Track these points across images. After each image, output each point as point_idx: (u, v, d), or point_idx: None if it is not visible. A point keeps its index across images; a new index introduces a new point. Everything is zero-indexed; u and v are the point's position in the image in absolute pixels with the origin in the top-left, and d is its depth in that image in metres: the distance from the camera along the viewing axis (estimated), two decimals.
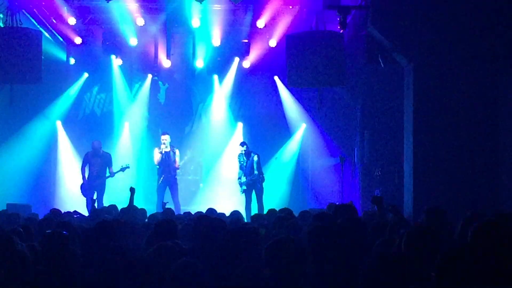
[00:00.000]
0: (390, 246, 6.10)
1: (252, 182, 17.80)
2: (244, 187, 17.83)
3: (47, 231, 7.36)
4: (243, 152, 17.98)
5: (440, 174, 12.49)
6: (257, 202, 17.82)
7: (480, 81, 12.61)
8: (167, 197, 17.47)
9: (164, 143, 17.80)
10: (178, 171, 18.30)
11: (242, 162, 18.00)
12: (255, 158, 17.99)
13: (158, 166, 17.95)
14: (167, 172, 17.86)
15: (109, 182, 18.38)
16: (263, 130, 20.46)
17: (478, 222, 5.33)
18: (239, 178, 18.00)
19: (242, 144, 18.16)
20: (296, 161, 20.41)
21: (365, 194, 17.72)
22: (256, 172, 17.82)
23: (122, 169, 18.22)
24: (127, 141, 21.11)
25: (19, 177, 19.39)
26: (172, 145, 17.98)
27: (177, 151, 18.09)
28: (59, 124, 20.57)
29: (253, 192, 17.84)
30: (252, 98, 21.46)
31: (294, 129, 20.85)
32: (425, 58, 12.76)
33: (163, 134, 18.03)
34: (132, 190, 12.27)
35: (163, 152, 17.76)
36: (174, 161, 17.97)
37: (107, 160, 18.44)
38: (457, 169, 12.51)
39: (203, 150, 21.23)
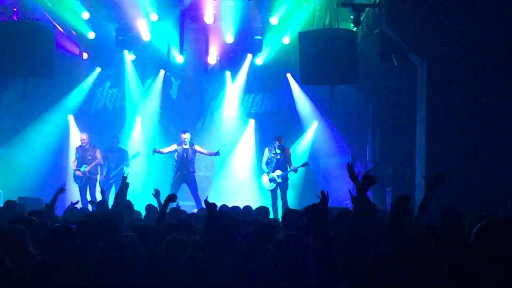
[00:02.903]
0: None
1: (285, 178, 17.80)
2: (280, 180, 17.76)
3: (54, 225, 7.37)
4: (276, 145, 17.86)
5: (453, 173, 12.44)
6: (282, 200, 17.71)
7: (493, 79, 12.57)
8: (184, 194, 17.48)
9: (185, 142, 17.81)
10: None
11: (274, 156, 17.87)
12: (290, 152, 18.02)
13: (175, 162, 17.95)
14: (183, 168, 17.84)
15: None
16: (275, 127, 20.37)
17: (482, 223, 5.28)
18: (269, 172, 17.85)
19: (280, 138, 17.99)
20: (307, 158, 20.35)
21: (377, 192, 17.66)
22: (290, 168, 17.79)
23: (134, 157, 18.59)
24: (139, 136, 21.09)
25: (31, 171, 19.40)
26: (191, 142, 18.00)
27: (196, 147, 18.07)
28: (71, 118, 20.57)
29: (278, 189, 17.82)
30: (264, 95, 21.43)
31: (306, 127, 20.79)
32: (439, 57, 12.73)
33: (184, 132, 18.00)
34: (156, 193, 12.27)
35: (181, 147, 17.78)
36: (193, 159, 18.00)
37: (122, 155, 18.78)
38: (470, 168, 12.48)
39: (214, 146, 21.17)
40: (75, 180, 18.51)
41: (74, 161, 18.58)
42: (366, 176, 6.34)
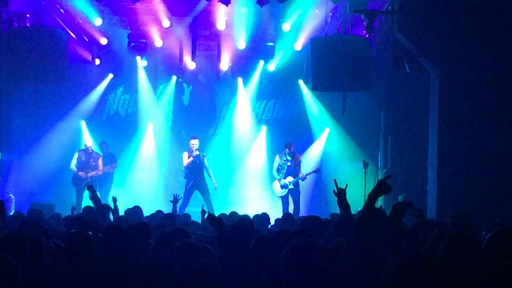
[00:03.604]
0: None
1: (296, 184, 17.84)
2: (292, 186, 17.81)
3: (71, 231, 7.38)
4: (287, 152, 17.94)
5: (465, 180, 12.41)
6: (295, 205, 17.75)
7: (506, 86, 12.52)
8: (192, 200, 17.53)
9: (195, 148, 17.80)
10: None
11: (284, 162, 17.95)
12: (301, 159, 18.14)
13: (186, 170, 17.92)
14: (196, 175, 17.85)
15: (134, 184, 18.66)
16: (287, 134, 20.37)
17: (495, 230, 5.23)
18: (280, 179, 17.92)
19: (290, 145, 18.08)
20: (319, 165, 20.33)
21: (388, 199, 17.62)
22: (300, 175, 17.87)
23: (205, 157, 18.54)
24: (151, 142, 21.14)
25: (44, 177, 19.44)
26: (200, 150, 18.00)
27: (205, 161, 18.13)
28: (83, 124, 20.63)
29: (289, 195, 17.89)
30: (276, 102, 21.45)
31: (318, 133, 20.79)
32: (451, 64, 12.70)
33: (193, 138, 17.99)
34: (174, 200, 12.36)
35: (194, 155, 17.77)
36: (204, 164, 18.00)
37: (112, 160, 19.18)
38: (483, 175, 12.42)
39: (226, 152, 21.20)
40: (73, 182, 18.56)
41: (75, 164, 18.62)
42: (382, 183, 5.97)
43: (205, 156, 18.00)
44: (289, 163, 17.84)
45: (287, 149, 17.87)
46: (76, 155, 18.70)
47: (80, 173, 18.45)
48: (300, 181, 17.91)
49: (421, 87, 15.13)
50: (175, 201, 12.53)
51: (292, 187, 17.78)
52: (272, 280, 5.85)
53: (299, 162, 18.10)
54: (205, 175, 18.05)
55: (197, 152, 17.80)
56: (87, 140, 19.08)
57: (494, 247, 5.00)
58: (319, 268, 5.06)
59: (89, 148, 18.74)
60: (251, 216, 11.50)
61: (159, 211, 12.35)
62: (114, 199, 11.91)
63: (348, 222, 6.86)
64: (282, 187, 17.89)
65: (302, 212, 17.52)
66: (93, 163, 18.64)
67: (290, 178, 17.77)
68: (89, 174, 18.46)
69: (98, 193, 12.88)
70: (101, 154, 19.10)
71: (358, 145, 19.99)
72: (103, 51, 20.24)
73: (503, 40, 12.48)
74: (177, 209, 13.53)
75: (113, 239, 7.37)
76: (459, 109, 12.67)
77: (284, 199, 17.90)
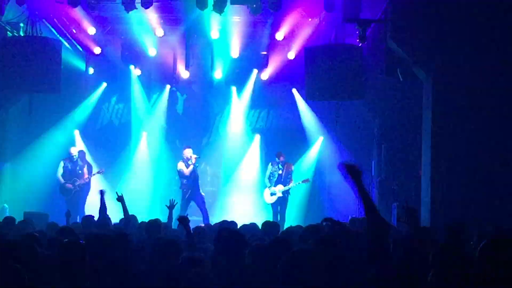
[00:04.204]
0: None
1: (285, 193, 18.00)
2: (280, 194, 18.04)
3: (64, 240, 7.36)
4: (280, 161, 18.13)
5: (458, 188, 12.43)
6: (280, 215, 17.93)
7: (500, 94, 12.55)
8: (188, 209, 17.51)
9: (190, 157, 17.80)
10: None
11: (276, 171, 18.18)
12: (292, 168, 18.34)
13: (182, 180, 17.91)
14: (192, 186, 17.82)
15: (128, 193, 18.56)
16: (281, 143, 20.38)
17: (487, 238, 5.23)
18: (271, 186, 18.17)
19: (281, 154, 18.33)
20: (313, 173, 20.33)
21: (382, 207, 17.63)
22: (289, 184, 18.01)
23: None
24: (145, 151, 21.13)
25: (37, 186, 19.38)
26: (197, 159, 18.03)
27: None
28: (77, 133, 20.60)
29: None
30: (270, 110, 21.46)
31: (312, 142, 20.79)
32: (444, 72, 12.73)
33: (188, 147, 18.02)
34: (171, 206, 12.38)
35: (191, 164, 17.77)
36: (198, 173, 18.06)
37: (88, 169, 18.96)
38: (476, 184, 12.44)
39: (220, 161, 21.20)
40: (62, 192, 18.53)
41: (61, 173, 18.58)
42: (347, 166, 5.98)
43: (197, 166, 18.01)
44: (280, 171, 18.06)
45: (277, 158, 18.11)
46: (61, 164, 18.62)
47: (68, 185, 18.41)
48: (293, 190, 18.08)
49: (414, 95, 15.16)
50: (171, 206, 12.48)
51: (281, 195, 17.98)
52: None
53: (291, 171, 18.27)
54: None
55: (192, 162, 17.80)
56: (72, 148, 18.96)
57: (487, 256, 4.98)
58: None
59: (74, 156, 18.67)
60: (240, 224, 11.57)
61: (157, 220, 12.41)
62: (121, 198, 11.88)
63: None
64: (271, 194, 18.21)
65: (292, 221, 17.56)
66: (80, 171, 18.60)
67: (280, 187, 18.02)
68: (77, 183, 18.43)
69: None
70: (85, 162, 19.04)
71: (352, 153, 19.98)
72: (96, 60, 20.25)
73: (496, 48, 12.52)
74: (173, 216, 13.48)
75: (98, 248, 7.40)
76: (452, 117, 12.70)
77: (274, 207, 18.12)
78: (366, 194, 5.91)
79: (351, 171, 5.93)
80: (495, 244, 4.99)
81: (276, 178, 18.16)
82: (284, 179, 18.11)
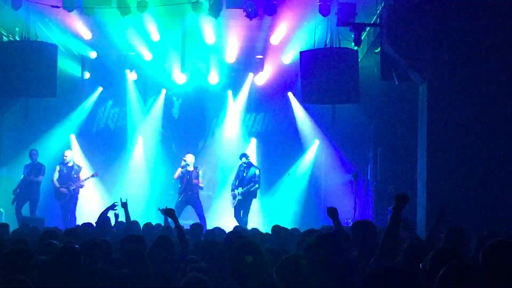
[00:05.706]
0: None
1: (245, 195, 17.92)
2: (240, 197, 17.89)
3: (59, 245, 7.37)
4: (245, 163, 18.07)
5: (454, 191, 12.44)
6: (244, 216, 17.87)
7: (495, 98, 12.58)
8: (184, 214, 17.53)
9: (189, 163, 17.86)
10: (201, 191, 18.39)
11: (240, 173, 18.09)
12: (257, 172, 18.13)
13: (178, 184, 17.98)
14: (188, 190, 17.86)
15: (123, 197, 18.54)
16: (276, 146, 20.43)
17: (490, 242, 5.21)
18: (234, 189, 18.09)
19: (245, 155, 18.29)
20: (309, 177, 20.35)
21: (378, 211, 17.66)
22: (257, 186, 17.95)
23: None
24: (141, 155, 21.12)
25: None
26: (195, 166, 18.07)
27: (200, 171, 18.15)
28: (73, 138, 20.60)
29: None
30: (265, 114, 21.46)
31: (307, 146, 20.79)
32: (439, 76, 12.76)
33: (187, 153, 18.19)
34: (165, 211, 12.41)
35: (183, 169, 17.82)
36: (198, 180, 18.08)
37: (40, 169, 18.59)
38: (472, 187, 12.45)
39: (216, 165, 21.20)
40: (57, 196, 18.52)
41: (57, 177, 18.56)
42: (400, 195, 6.34)
43: (198, 173, 18.07)
44: (244, 174, 18.03)
45: (244, 160, 18.15)
46: (57, 168, 18.63)
47: (62, 190, 18.40)
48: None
49: (410, 99, 15.18)
50: (164, 211, 12.47)
51: (241, 197, 17.87)
52: None
53: (258, 175, 18.08)
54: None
55: (191, 168, 17.84)
56: (67, 151, 18.93)
57: (490, 259, 4.97)
58: None
59: (66, 158, 18.63)
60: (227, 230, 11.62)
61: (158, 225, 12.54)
62: (125, 204, 12.22)
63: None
64: (232, 197, 18.18)
65: (288, 225, 17.53)
66: (75, 175, 18.58)
67: (240, 189, 17.91)
68: (72, 188, 18.41)
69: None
70: (80, 166, 19.00)
71: (348, 157, 20.01)
72: (92, 64, 20.25)
73: (491, 52, 12.54)
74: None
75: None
76: (448, 120, 12.72)
77: (236, 209, 18.09)
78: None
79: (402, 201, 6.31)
80: (499, 248, 4.98)
81: (239, 181, 18.09)
82: (248, 181, 17.99)
